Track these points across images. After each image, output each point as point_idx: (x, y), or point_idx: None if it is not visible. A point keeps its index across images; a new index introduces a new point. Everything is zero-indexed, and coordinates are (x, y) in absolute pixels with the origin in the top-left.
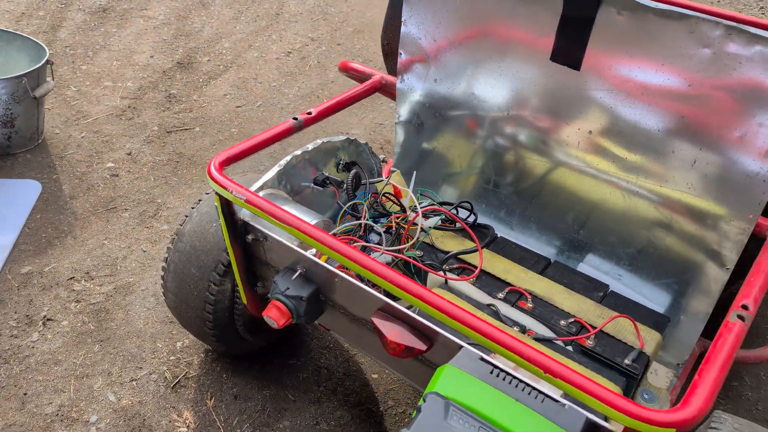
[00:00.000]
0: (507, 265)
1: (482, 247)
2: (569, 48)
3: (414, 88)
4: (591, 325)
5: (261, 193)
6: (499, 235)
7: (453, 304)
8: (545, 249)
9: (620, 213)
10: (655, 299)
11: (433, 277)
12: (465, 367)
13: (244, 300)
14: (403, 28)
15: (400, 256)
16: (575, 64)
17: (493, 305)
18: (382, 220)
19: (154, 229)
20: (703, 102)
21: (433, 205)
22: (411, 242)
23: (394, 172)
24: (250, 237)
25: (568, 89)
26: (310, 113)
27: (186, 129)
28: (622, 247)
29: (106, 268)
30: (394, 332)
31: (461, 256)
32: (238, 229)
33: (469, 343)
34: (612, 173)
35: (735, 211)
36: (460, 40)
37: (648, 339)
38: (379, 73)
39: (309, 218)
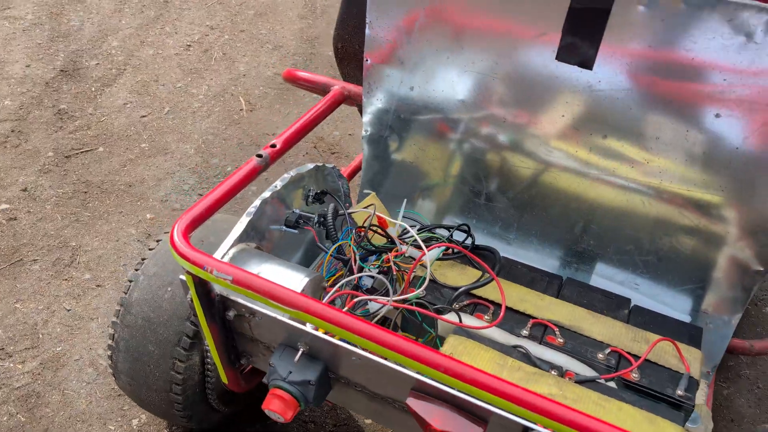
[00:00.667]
0: (519, 292)
1: (495, 275)
2: (579, 45)
3: (384, 98)
4: (629, 353)
5: (231, 252)
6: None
7: (482, 371)
8: (549, 263)
9: (640, 219)
10: (678, 306)
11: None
12: None
13: (225, 380)
14: (368, 31)
15: (410, 307)
16: (587, 62)
17: (520, 347)
18: (371, 257)
19: (74, 281)
20: (740, 97)
21: (426, 231)
22: (419, 286)
23: (368, 194)
24: (231, 314)
25: (577, 91)
26: (274, 146)
27: (87, 150)
28: (641, 254)
29: (24, 340)
30: (437, 417)
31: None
32: (215, 306)
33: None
34: (631, 178)
35: None
36: (441, 41)
37: (691, 360)
38: (339, 83)
39: (298, 276)
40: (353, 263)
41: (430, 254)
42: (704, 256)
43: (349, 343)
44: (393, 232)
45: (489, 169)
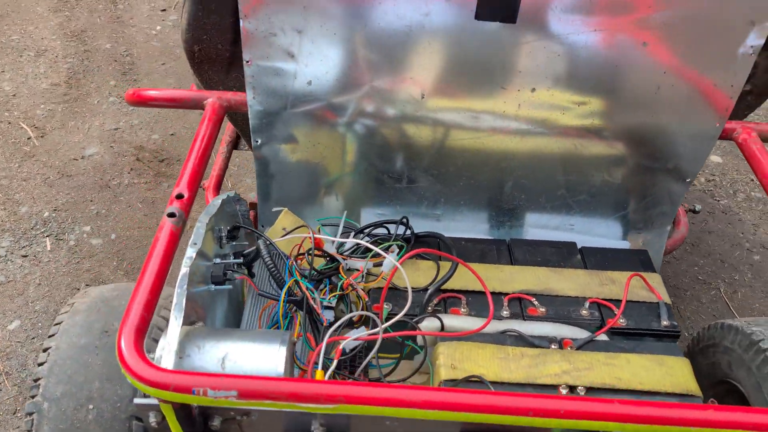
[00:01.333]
0: (478, 271)
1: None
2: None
3: (274, 100)
4: (604, 299)
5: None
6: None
7: (527, 396)
8: (482, 228)
9: (572, 162)
10: (612, 234)
11: (425, 326)
12: None
13: None
14: (245, 25)
15: (404, 333)
16: (510, 16)
17: (511, 331)
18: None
19: None
20: (667, 21)
21: (361, 235)
22: (387, 300)
23: (278, 212)
24: (216, 422)
25: (500, 50)
26: (181, 196)
27: None
28: (573, 196)
29: None
30: None
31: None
32: (195, 423)
33: None
34: (563, 125)
35: (701, 124)
36: (338, 22)
37: (656, 286)
38: (211, 94)
39: (273, 348)
40: (309, 301)
41: (389, 261)
42: (634, 182)
43: None
44: (331, 248)
45: (415, 151)
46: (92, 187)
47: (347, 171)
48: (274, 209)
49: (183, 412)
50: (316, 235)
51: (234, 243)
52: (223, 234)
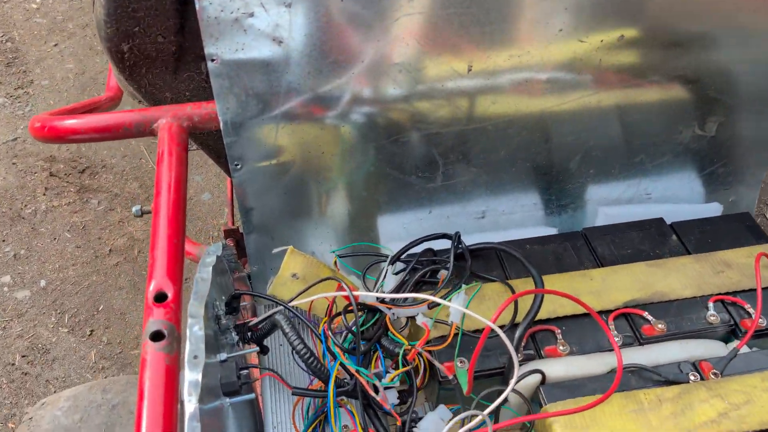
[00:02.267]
0: (560, 284)
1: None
2: None
3: (256, 107)
4: (727, 293)
5: None
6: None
7: None
8: (537, 218)
9: (658, 120)
10: (696, 196)
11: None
12: None
13: None
14: (203, 5)
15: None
16: None
17: (631, 366)
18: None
19: None
20: None
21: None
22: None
23: (282, 251)
24: None
25: None
26: (164, 296)
27: None
28: (654, 159)
29: None
30: None
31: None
32: None
33: None
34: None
35: None
36: None
37: None
38: (164, 112)
39: None
40: (368, 390)
41: (456, 305)
42: (733, 129)
43: None
44: (368, 298)
45: (443, 141)
46: (0, 221)
47: (352, 172)
48: (275, 251)
49: None
50: (355, 292)
51: (235, 315)
52: (221, 310)
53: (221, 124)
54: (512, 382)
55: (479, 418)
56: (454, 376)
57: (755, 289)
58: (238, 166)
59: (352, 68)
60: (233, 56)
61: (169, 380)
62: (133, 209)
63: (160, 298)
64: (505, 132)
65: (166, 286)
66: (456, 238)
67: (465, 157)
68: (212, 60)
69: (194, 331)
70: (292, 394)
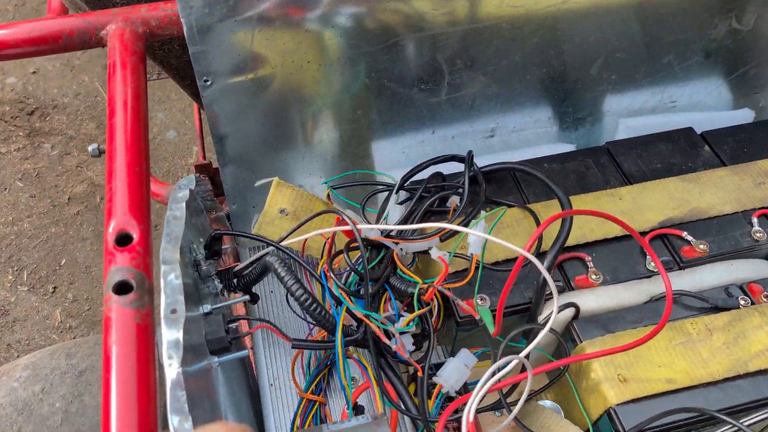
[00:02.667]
0: (587, 205)
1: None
2: None
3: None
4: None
5: None
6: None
7: None
8: (552, 134)
9: (690, 11)
10: (724, 103)
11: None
12: None
13: None
14: None
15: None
16: None
17: (675, 293)
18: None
19: None
20: None
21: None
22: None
23: (268, 182)
24: None
25: None
26: (129, 237)
27: None
28: (683, 60)
29: None
30: None
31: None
32: None
33: None
34: None
35: None
36: None
37: None
38: (112, 16)
39: None
40: (381, 337)
41: (476, 242)
42: (766, 25)
43: None
44: (372, 232)
45: (449, 44)
46: None
47: (342, 88)
48: (258, 183)
49: None
50: (358, 225)
51: (216, 259)
52: (199, 254)
53: (185, 29)
54: (552, 315)
55: (515, 362)
56: (479, 315)
57: None
58: (208, 83)
59: None
60: None
61: (142, 342)
62: (90, 148)
63: (123, 240)
64: (519, 32)
65: (129, 225)
66: (469, 159)
67: (474, 64)
68: None
69: (170, 280)
70: (292, 347)
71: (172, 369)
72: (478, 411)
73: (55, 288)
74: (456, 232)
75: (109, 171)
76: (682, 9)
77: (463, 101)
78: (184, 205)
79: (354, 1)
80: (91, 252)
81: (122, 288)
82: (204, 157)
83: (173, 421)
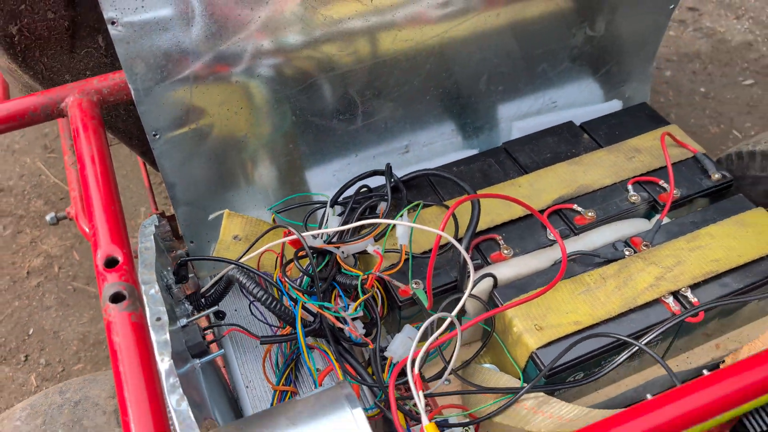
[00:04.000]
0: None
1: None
2: None
3: (168, 70)
4: (641, 175)
5: None
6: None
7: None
8: (456, 143)
9: (551, 25)
10: (595, 97)
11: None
12: None
13: None
14: None
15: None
16: None
17: (574, 254)
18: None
19: None
20: None
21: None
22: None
23: (219, 216)
24: None
25: None
26: (115, 260)
27: None
28: (554, 67)
29: None
30: None
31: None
32: None
33: None
34: None
35: None
36: None
37: (682, 138)
38: (69, 89)
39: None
40: (335, 322)
41: (403, 227)
42: (617, 26)
43: None
44: (316, 241)
45: (357, 78)
46: None
47: (272, 129)
48: (212, 216)
49: None
50: (303, 233)
51: (185, 283)
52: (170, 280)
53: (132, 93)
54: (470, 283)
55: (448, 320)
56: (414, 293)
57: (665, 167)
58: (156, 136)
59: (249, 23)
60: (134, 17)
61: (140, 338)
62: (47, 218)
63: (110, 263)
64: (414, 61)
65: (114, 251)
66: (388, 170)
67: (380, 93)
68: (113, 23)
69: (151, 294)
70: (261, 342)
71: (164, 363)
72: (428, 380)
73: (27, 356)
74: (387, 230)
75: (89, 213)
76: (545, 25)
77: (377, 125)
78: (152, 238)
79: (271, 53)
80: (57, 318)
81: (117, 297)
82: (156, 209)
83: (171, 401)
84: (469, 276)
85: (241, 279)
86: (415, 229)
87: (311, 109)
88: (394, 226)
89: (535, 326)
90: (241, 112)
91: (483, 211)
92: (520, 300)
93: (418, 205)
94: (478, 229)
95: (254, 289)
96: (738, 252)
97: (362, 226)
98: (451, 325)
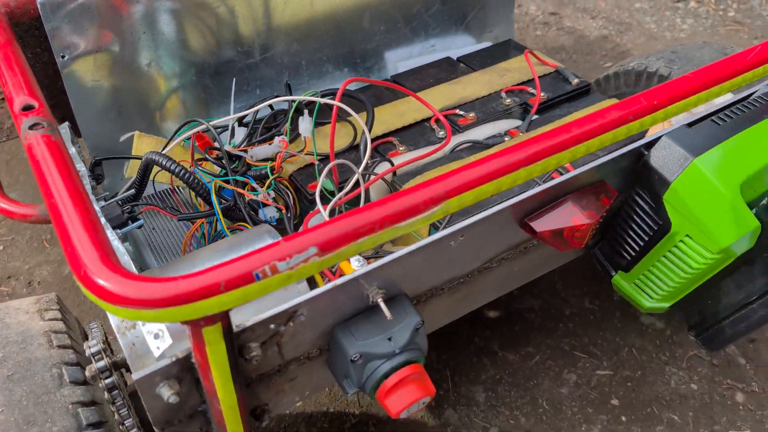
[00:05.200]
0: (384, 111)
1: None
2: None
3: None
4: (516, 85)
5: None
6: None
7: None
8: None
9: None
10: (469, 42)
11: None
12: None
13: None
14: None
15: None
16: None
17: (462, 144)
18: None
19: None
20: None
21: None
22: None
23: (130, 137)
24: (254, 350)
25: None
26: (31, 106)
27: None
28: (428, 7)
29: None
30: (574, 217)
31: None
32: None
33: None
34: None
35: None
36: None
37: (542, 57)
38: None
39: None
40: (247, 195)
41: (306, 125)
42: None
43: None
44: (226, 146)
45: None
46: None
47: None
48: (122, 138)
49: (229, 334)
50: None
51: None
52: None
53: (39, 7)
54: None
55: (355, 177)
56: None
57: (533, 79)
58: (65, 57)
59: None
60: None
61: (59, 157)
62: None
63: (27, 108)
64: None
65: (27, 99)
66: (287, 87)
67: (274, 26)
68: None
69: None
70: (179, 219)
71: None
72: None
73: None
74: (294, 139)
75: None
76: None
77: (274, 60)
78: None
79: None
80: None
81: (33, 126)
82: None
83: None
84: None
85: (156, 158)
86: (318, 137)
87: (211, 39)
88: (298, 126)
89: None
90: (143, 38)
91: (378, 121)
92: (421, 184)
93: (315, 93)
94: (375, 134)
95: (170, 164)
96: None
97: (269, 137)
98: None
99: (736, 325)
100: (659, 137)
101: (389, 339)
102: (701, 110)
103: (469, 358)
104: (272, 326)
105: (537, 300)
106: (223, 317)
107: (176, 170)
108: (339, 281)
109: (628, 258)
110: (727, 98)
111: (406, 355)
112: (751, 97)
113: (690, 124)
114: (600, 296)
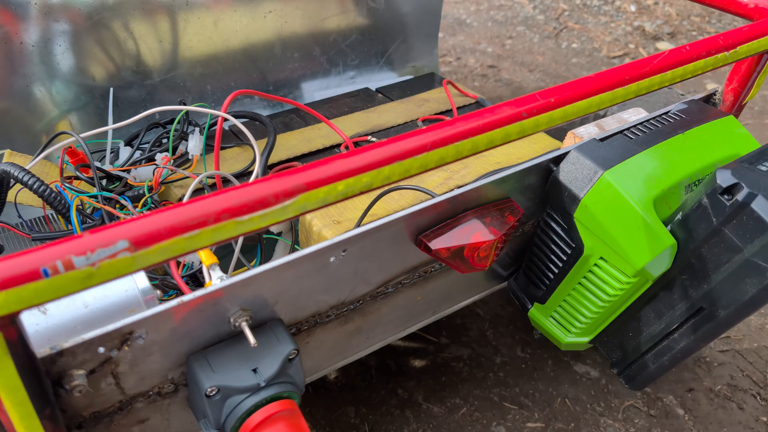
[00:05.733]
0: (293, 136)
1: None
2: None
3: None
4: (433, 115)
5: None
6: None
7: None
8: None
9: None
10: (389, 76)
11: None
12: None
13: None
14: None
15: None
16: None
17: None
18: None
19: None
20: None
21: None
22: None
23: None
24: (78, 379)
25: None
26: None
27: None
28: (345, 38)
29: None
30: (474, 235)
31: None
32: (42, 381)
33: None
34: None
35: None
36: None
37: (463, 88)
38: None
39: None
40: (114, 213)
41: (195, 144)
42: (395, 4)
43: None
44: (107, 166)
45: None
46: None
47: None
48: None
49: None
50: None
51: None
52: None
53: None
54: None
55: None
56: None
57: (451, 110)
58: None
59: None
60: None
61: None
62: None
63: None
64: (203, 22)
65: None
66: (181, 104)
67: (174, 46)
68: None
69: None
70: (32, 239)
71: None
72: None
73: None
74: (183, 162)
75: None
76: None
77: (174, 82)
78: None
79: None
80: None
81: None
82: None
83: None
84: None
85: (12, 171)
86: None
87: (105, 58)
88: (187, 148)
89: (334, 221)
90: (33, 58)
91: (283, 146)
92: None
93: (204, 106)
94: (280, 159)
95: (25, 177)
96: (516, 156)
97: (153, 157)
98: None
99: (659, 358)
100: (568, 151)
101: (254, 370)
102: (614, 128)
103: (391, 411)
104: (101, 350)
105: (466, 349)
106: (7, 326)
107: (29, 182)
108: (186, 298)
109: (543, 288)
110: (641, 116)
111: (275, 388)
112: (666, 114)
113: (602, 139)
114: (532, 344)
